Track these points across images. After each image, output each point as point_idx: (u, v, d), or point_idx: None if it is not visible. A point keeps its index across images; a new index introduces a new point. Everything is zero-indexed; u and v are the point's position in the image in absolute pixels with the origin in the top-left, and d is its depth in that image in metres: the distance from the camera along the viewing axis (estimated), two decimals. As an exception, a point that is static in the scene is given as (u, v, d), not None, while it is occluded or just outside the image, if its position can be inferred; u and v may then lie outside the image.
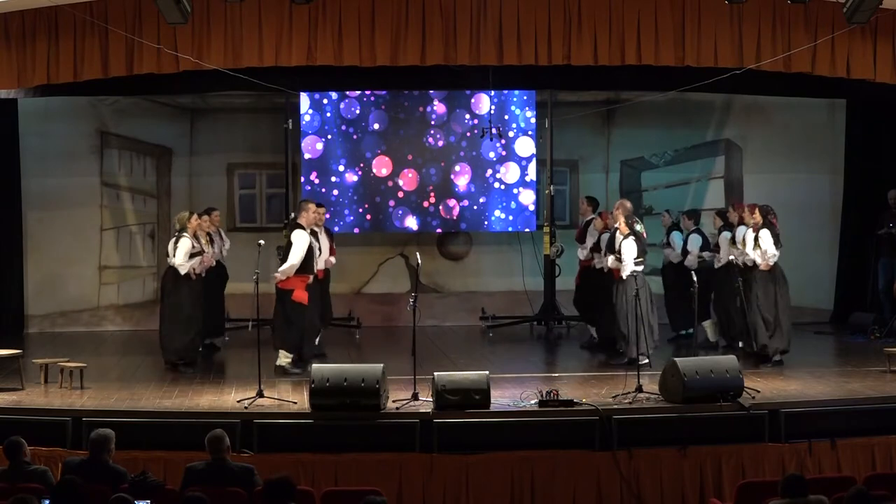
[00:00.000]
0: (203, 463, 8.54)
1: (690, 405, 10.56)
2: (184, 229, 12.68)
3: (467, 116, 16.29)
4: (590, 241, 14.32)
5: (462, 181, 16.33)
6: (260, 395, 10.81)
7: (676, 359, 10.84)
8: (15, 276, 16.07)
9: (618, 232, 12.95)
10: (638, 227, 12.87)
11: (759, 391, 10.99)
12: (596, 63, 12.37)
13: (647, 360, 12.12)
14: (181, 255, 12.56)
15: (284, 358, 12.55)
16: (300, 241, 12.46)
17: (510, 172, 16.36)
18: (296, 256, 12.42)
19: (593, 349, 14.25)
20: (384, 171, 16.28)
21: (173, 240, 12.76)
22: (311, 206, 12.96)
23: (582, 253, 14.56)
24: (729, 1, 11.86)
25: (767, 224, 12.80)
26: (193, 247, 12.69)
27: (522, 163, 16.40)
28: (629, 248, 12.71)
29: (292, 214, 13.52)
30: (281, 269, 12.49)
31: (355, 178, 16.23)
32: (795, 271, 16.56)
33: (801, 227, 16.76)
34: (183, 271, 12.57)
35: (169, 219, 15.79)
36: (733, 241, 13.53)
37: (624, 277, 12.74)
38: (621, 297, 12.82)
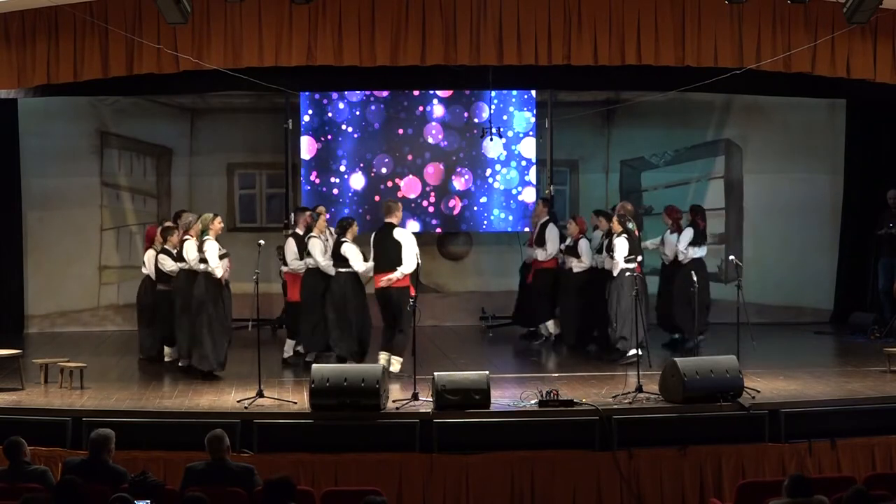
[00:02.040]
0: (203, 463, 8.53)
1: (690, 405, 10.56)
2: (206, 231, 12.26)
3: (466, 115, 16.30)
4: (553, 245, 14.46)
5: (462, 181, 16.33)
6: (260, 395, 10.81)
7: (676, 359, 10.84)
8: (15, 276, 16.07)
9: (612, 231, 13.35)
10: (630, 226, 13.16)
11: (759, 391, 11.00)
12: (596, 63, 12.38)
13: (642, 353, 12.27)
14: (214, 257, 12.07)
15: (398, 362, 12.36)
16: (412, 238, 12.52)
17: (510, 172, 16.37)
18: (416, 253, 12.41)
19: (556, 348, 14.52)
20: (384, 171, 16.28)
21: (193, 244, 12.30)
22: (400, 205, 13.04)
23: (541, 254, 14.58)
24: (729, 1, 11.85)
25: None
26: (220, 248, 12.26)
27: (522, 163, 16.41)
28: (621, 246, 13.00)
29: (309, 214, 13.44)
30: (404, 269, 12.30)
31: (355, 179, 16.23)
32: (795, 271, 16.69)
33: (801, 227, 16.82)
34: (219, 273, 12.09)
35: (169, 219, 15.67)
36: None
37: (615, 275, 13.05)
38: (615, 294, 13.09)
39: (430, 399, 10.61)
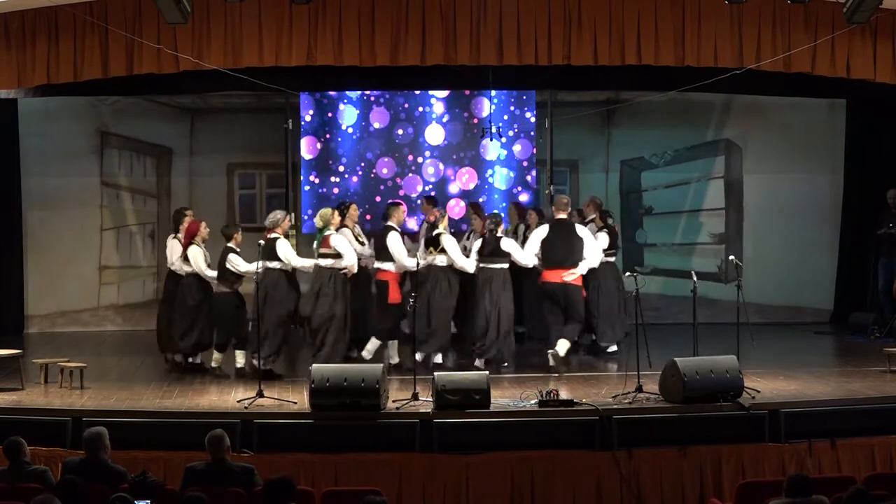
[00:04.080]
0: (203, 463, 8.54)
1: (690, 405, 10.57)
2: (327, 226, 12.16)
3: (466, 115, 16.30)
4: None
5: (462, 181, 16.33)
6: (260, 395, 10.81)
7: (676, 359, 10.84)
8: (15, 276, 16.07)
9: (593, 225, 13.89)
10: (610, 221, 13.68)
11: (759, 391, 11.00)
12: (596, 63, 12.37)
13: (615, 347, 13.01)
14: (350, 250, 11.93)
15: (565, 346, 12.45)
16: (591, 234, 12.83)
17: (510, 172, 16.37)
18: (597, 249, 12.84)
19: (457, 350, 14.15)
20: (384, 171, 16.28)
21: (286, 243, 12.14)
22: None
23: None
24: (729, 1, 11.86)
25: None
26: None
27: (522, 163, 16.41)
28: (602, 240, 13.51)
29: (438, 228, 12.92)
30: (589, 264, 12.53)
31: (355, 179, 16.24)
32: (795, 271, 16.68)
33: (801, 227, 16.83)
34: (355, 269, 11.94)
35: (169, 219, 15.57)
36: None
37: (594, 266, 13.33)
38: (594, 286, 13.49)
39: (430, 399, 10.61)
